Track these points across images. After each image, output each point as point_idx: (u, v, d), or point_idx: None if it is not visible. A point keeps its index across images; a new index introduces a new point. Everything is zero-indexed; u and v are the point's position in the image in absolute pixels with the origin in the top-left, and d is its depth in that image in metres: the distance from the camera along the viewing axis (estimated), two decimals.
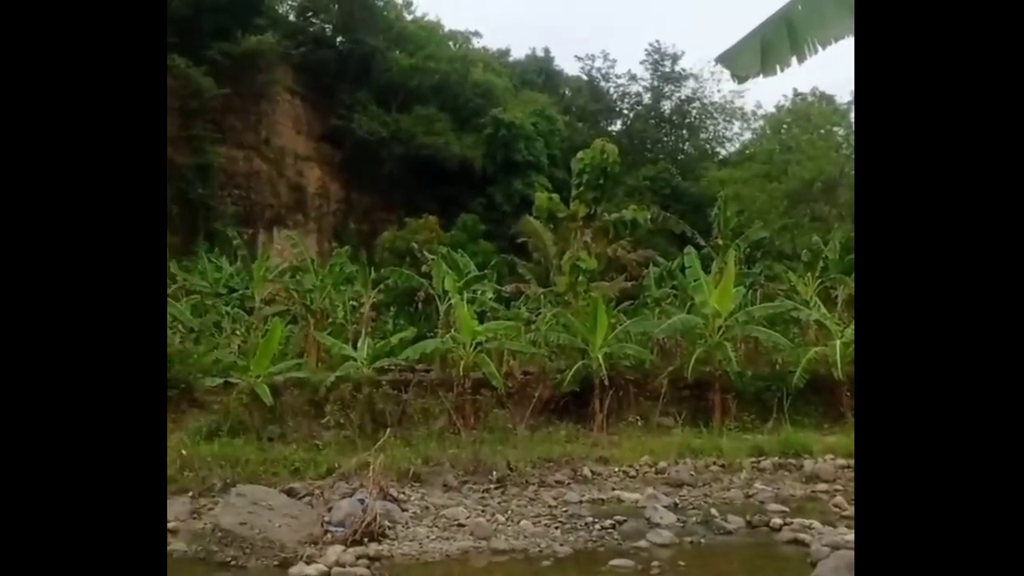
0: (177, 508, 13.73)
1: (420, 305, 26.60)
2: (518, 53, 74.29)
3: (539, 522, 13.61)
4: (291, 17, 56.25)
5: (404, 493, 14.68)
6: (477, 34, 67.94)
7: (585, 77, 70.84)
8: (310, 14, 56.44)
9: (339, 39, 55.46)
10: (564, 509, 14.44)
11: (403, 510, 13.78)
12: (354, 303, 27.11)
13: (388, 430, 16.75)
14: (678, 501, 15.05)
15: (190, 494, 14.37)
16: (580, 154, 25.16)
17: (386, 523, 12.74)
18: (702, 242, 27.35)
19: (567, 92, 70.67)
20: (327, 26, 56.36)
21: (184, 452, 15.46)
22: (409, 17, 61.32)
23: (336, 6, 55.27)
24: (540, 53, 73.22)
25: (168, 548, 12.06)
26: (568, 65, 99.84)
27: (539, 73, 70.76)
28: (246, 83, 47.91)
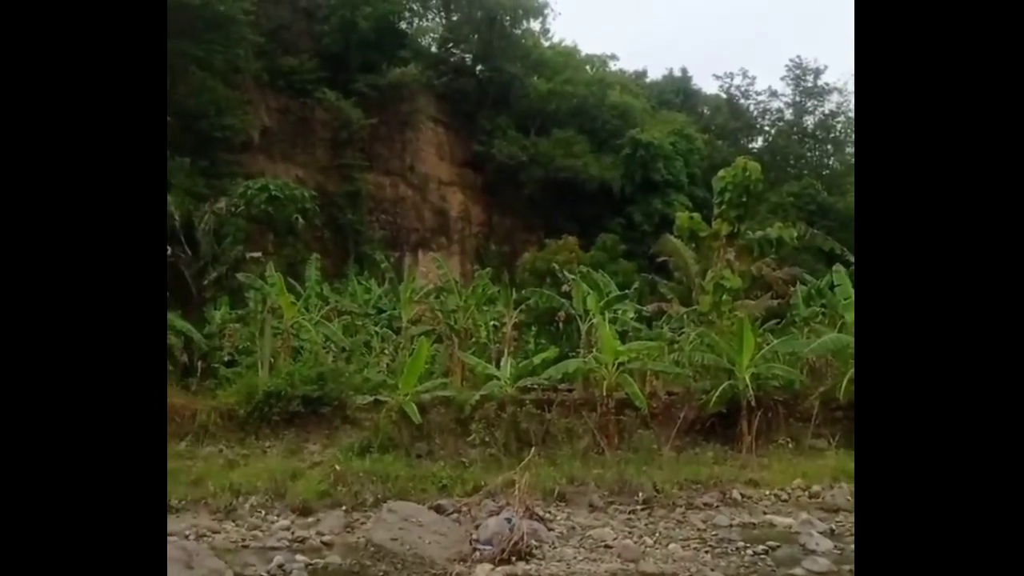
0: (332, 522, 14.23)
1: (561, 325, 26.70)
2: (655, 74, 74.13)
3: (688, 545, 13.38)
4: (433, 48, 57.86)
5: (550, 512, 14.73)
6: (614, 57, 67.96)
7: (724, 95, 69.86)
8: (451, 45, 57.93)
9: (479, 68, 56.70)
10: (714, 533, 14.15)
11: (549, 529, 13.83)
12: (496, 323, 27.48)
13: (532, 449, 16.86)
14: (834, 527, 14.51)
15: (344, 508, 14.86)
16: (722, 172, 24.75)
17: (533, 542, 12.80)
18: (851, 259, 26.39)
19: (706, 111, 69.88)
20: (467, 56, 57.72)
21: (337, 467, 16.04)
22: (546, 44, 62.06)
23: (476, 36, 56.55)
24: (677, 73, 72.80)
25: (323, 561, 12.52)
26: (706, 84, 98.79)
27: (677, 93, 70.21)
28: (392, 113, 49.60)
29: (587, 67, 64.02)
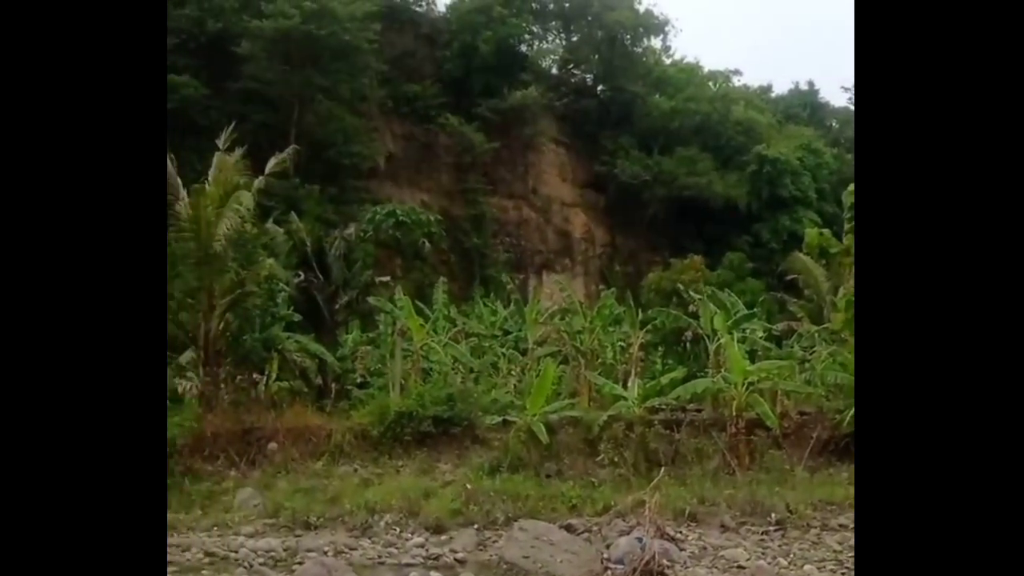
0: (465, 539, 14.46)
1: (688, 345, 26.38)
2: (780, 88, 72.48)
3: (824, 567, 13.02)
4: (554, 70, 58.32)
5: (681, 532, 14.56)
6: (737, 72, 66.96)
7: (853, 107, 67.72)
8: (572, 65, 58.26)
9: (600, 88, 56.81)
10: (851, 555, 13.69)
11: (681, 549, 13.67)
12: (622, 343, 27.38)
13: (662, 469, 16.71)
14: None
15: (476, 527, 15.07)
16: (852, 186, 24.07)
17: (664, 562, 12.69)
18: None
19: (835, 124, 67.87)
20: (588, 76, 57.93)
21: (468, 486, 16.28)
22: (668, 61, 61.66)
23: (596, 56, 56.71)
24: (804, 86, 71.01)
25: None
26: (835, 97, 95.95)
27: (804, 107, 68.53)
28: (514, 136, 50.21)
29: (710, 83, 63.27)
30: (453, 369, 24.36)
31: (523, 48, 55.35)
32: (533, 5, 55.29)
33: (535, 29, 57.09)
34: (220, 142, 20.56)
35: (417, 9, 52.86)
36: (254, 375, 22.85)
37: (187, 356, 21.44)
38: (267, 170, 21.34)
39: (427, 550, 14.19)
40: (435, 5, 53.90)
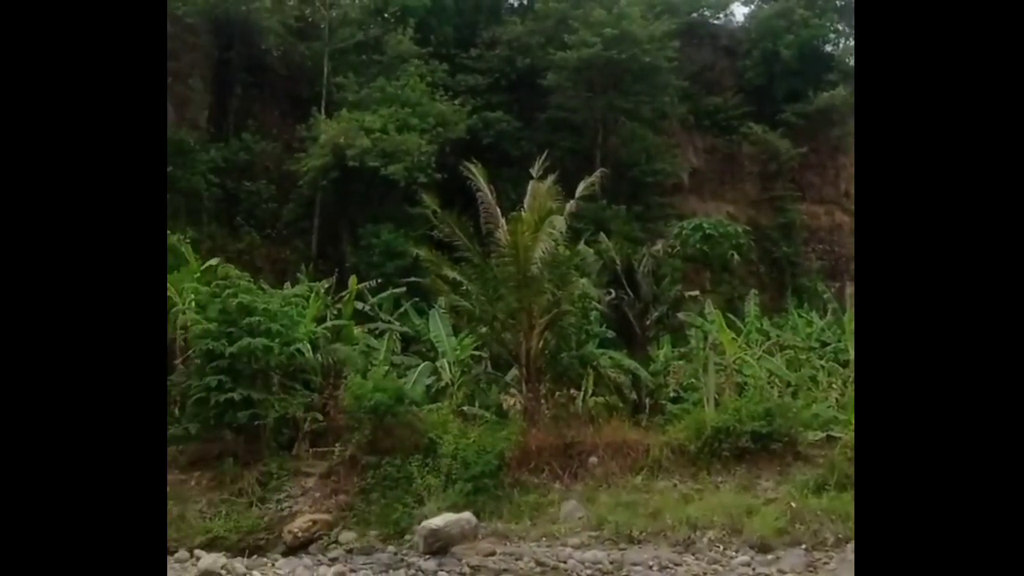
0: (793, 560, 14.08)
1: None
2: None
3: None
4: None
5: None
6: None
7: None
8: None
9: None
10: None
11: None
12: None
13: None
14: None
15: (804, 547, 14.61)
16: None
17: None
18: None
19: None
20: None
21: (793, 504, 15.82)
22: None
23: None
24: None
25: None
26: None
27: None
28: (821, 139, 48.07)
29: None
30: (769, 383, 23.75)
31: (828, 48, 52.89)
32: (837, 2, 52.75)
33: (840, 27, 54.35)
34: (533, 171, 21.72)
35: (715, 22, 52.39)
36: (571, 391, 23.69)
37: (512, 374, 22.71)
38: (577, 194, 22.19)
39: (753, 569, 13.99)
40: (733, 16, 53.11)
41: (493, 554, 15.88)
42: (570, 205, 21.57)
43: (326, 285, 25.73)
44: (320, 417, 21.50)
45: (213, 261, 25.06)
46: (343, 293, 25.96)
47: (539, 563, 15.28)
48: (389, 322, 26.79)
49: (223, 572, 15.08)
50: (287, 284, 26.11)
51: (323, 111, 33.80)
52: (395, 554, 16.59)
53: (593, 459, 19.20)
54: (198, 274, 24.21)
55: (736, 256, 37.94)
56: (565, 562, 15.21)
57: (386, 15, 36.86)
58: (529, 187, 21.57)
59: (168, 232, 27.06)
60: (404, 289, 27.63)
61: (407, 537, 17.20)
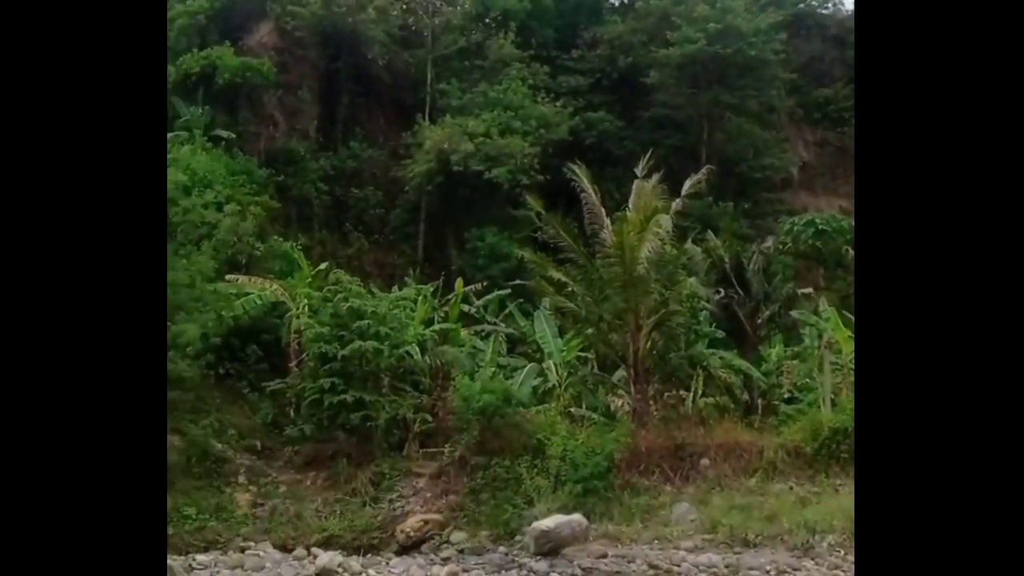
0: None
1: None
2: None
3: None
4: None
5: None
6: None
7: None
8: None
9: None
10: None
11: None
12: None
13: None
14: None
15: None
16: None
17: None
18: None
19: None
20: None
21: None
22: None
23: None
24: None
25: None
26: None
27: None
28: None
29: None
30: None
31: None
32: None
33: None
34: (638, 170, 21.50)
35: (823, 12, 50.93)
36: (680, 392, 23.35)
37: (619, 375, 22.53)
38: (683, 192, 21.87)
39: None
40: (842, 4, 51.52)
41: (605, 556, 15.75)
42: (676, 203, 21.26)
43: (432, 288, 26.06)
44: (429, 418, 21.79)
45: (323, 266, 25.68)
46: (449, 296, 26.25)
47: (652, 566, 15.08)
48: (495, 324, 26.93)
49: (340, 570, 15.40)
50: (395, 288, 26.56)
51: (427, 117, 34.27)
52: (506, 555, 16.64)
53: (705, 461, 18.87)
54: (310, 279, 24.87)
55: (850, 252, 36.73)
56: (679, 565, 14.97)
57: (487, 20, 37.09)
58: (634, 186, 21.35)
59: (282, 239, 27.95)
60: (509, 291, 27.73)
61: (517, 538, 17.24)
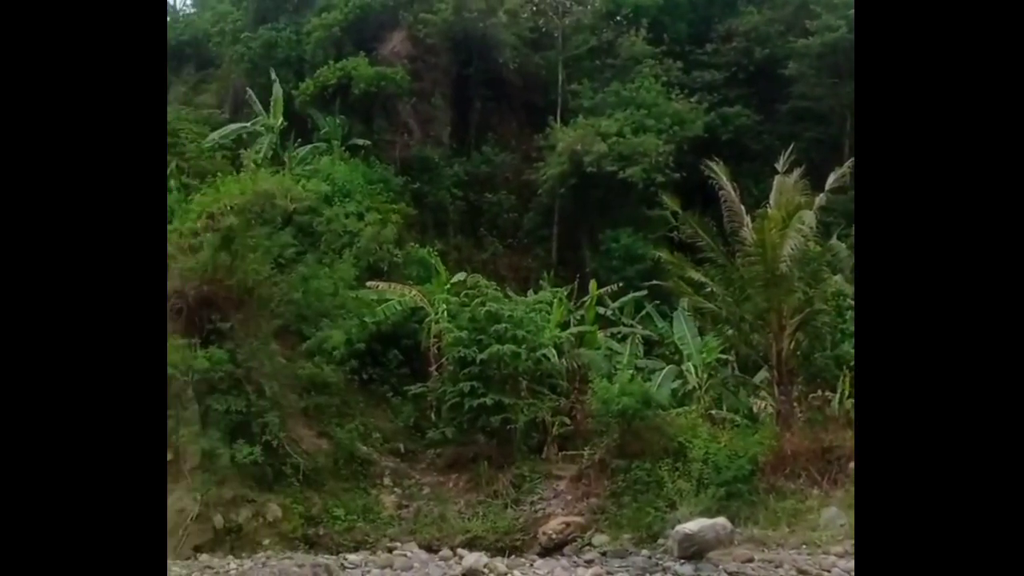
0: None
1: None
2: None
3: None
4: None
5: None
6: None
7: None
8: None
9: None
10: None
11: None
12: None
13: None
14: None
15: None
16: None
17: None
18: None
19: None
20: None
21: None
22: None
23: None
24: None
25: None
26: None
27: None
28: None
29: None
30: None
31: None
32: None
33: None
34: (778, 165, 20.89)
35: None
36: (827, 393, 22.52)
37: (761, 376, 21.95)
38: (827, 187, 21.11)
39: None
40: None
41: (751, 561, 15.36)
42: (819, 199, 20.56)
43: (567, 291, 26.07)
44: (567, 421, 21.82)
45: (461, 275, 26.05)
46: (584, 298, 26.19)
47: (800, 571, 14.61)
48: (631, 326, 26.71)
49: (486, 571, 15.59)
50: (529, 291, 26.71)
51: (559, 119, 34.27)
52: (649, 558, 16.48)
53: (853, 464, 18.15)
54: (448, 285, 25.29)
55: None
56: (828, 571, 14.46)
57: (618, 18, 36.76)
58: (775, 182, 20.77)
59: (418, 245, 28.53)
60: (645, 292, 27.44)
61: (660, 541, 17.07)
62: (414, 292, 24.50)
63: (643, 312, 27.65)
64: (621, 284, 27.96)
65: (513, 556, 17.50)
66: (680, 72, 35.88)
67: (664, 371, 22.90)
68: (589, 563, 16.67)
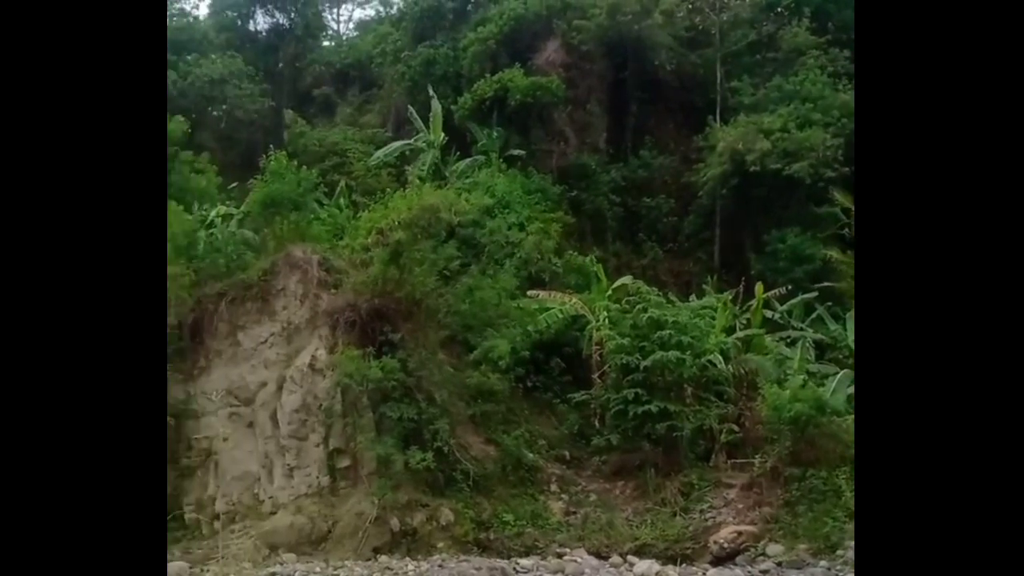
0: None
1: None
2: None
3: None
4: None
5: None
6: None
7: None
8: None
9: None
10: None
11: None
12: None
13: None
14: None
15: None
16: None
17: None
18: None
19: None
20: None
21: None
22: None
23: None
24: None
25: None
26: None
27: None
28: None
29: None
30: None
31: None
32: None
33: None
34: None
35: None
36: None
37: None
38: None
39: None
40: None
41: None
42: None
43: (731, 295, 25.47)
44: (736, 428, 21.32)
45: (626, 279, 25.91)
46: (750, 302, 25.51)
47: None
48: (801, 329, 25.79)
49: None
50: (692, 296, 26.25)
51: (718, 118, 33.53)
52: (828, 569, 15.91)
53: None
54: (609, 292, 25.22)
55: None
56: None
57: (779, 9, 35.63)
58: None
59: (577, 253, 28.58)
60: (815, 294, 26.43)
61: (839, 552, 16.41)
62: (574, 300, 24.57)
63: (814, 315, 26.63)
64: (789, 286, 27.00)
65: (684, 564, 17.25)
66: (847, 61, 34.34)
67: (839, 376, 21.98)
68: (764, 573, 16.26)
